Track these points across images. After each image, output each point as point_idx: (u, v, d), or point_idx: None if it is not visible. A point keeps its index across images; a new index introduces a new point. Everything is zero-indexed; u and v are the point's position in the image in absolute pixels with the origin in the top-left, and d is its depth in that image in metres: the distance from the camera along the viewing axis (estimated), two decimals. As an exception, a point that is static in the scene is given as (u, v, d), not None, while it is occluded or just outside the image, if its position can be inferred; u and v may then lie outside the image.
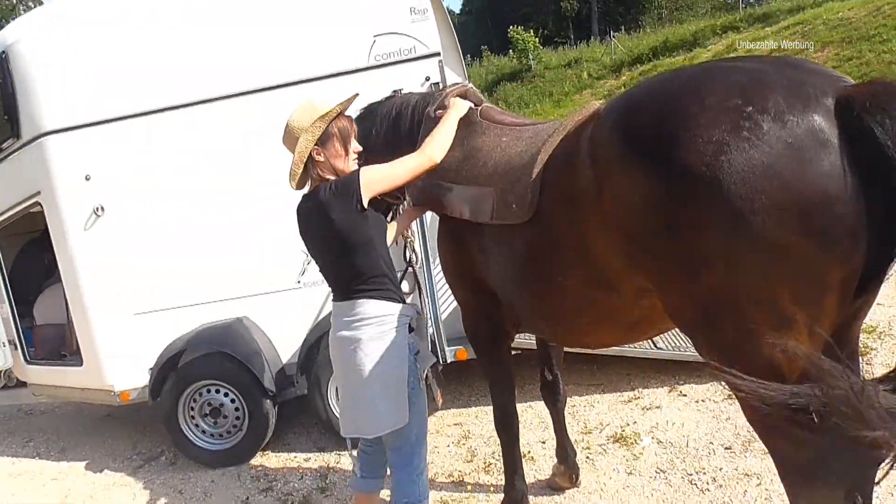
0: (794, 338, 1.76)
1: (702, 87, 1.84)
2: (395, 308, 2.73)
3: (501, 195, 2.52)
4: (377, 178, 2.67)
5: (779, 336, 1.76)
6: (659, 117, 1.87)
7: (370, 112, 3.38)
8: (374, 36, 4.39)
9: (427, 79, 4.30)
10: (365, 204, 2.62)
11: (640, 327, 2.42)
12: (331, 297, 2.89)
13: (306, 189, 2.86)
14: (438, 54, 4.39)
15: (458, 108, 2.95)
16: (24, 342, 5.58)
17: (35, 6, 54.62)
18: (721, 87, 1.80)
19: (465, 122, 2.93)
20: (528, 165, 2.41)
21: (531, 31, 31.93)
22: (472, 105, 3.03)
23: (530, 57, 29.94)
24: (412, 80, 4.26)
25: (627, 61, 25.22)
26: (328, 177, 2.73)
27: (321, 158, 2.71)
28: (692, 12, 40.99)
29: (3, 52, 4.74)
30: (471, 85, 3.20)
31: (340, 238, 2.64)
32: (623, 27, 35.77)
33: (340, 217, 2.61)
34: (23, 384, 5.85)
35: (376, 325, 2.68)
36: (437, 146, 2.82)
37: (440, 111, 3.01)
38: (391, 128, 3.24)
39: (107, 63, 4.66)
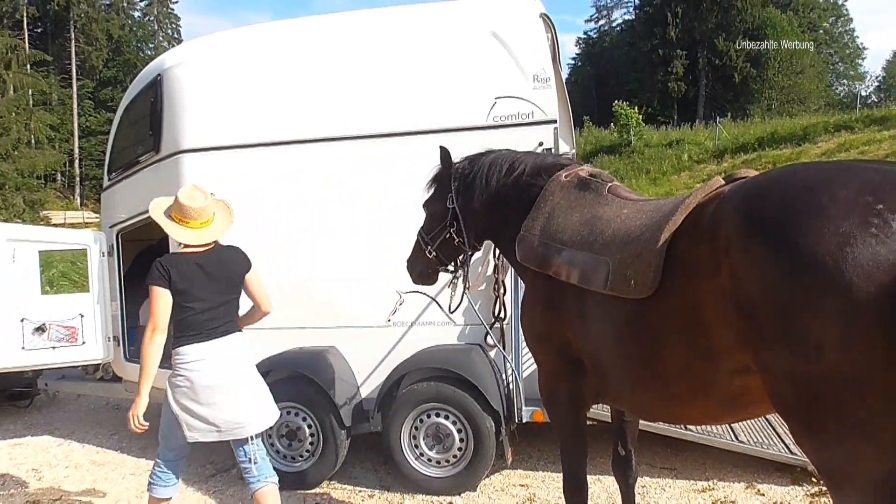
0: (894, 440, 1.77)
1: (834, 180, 1.91)
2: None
3: (619, 267, 2.55)
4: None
5: (884, 435, 1.76)
6: (787, 203, 1.94)
7: (478, 157, 3.50)
8: (496, 98, 4.61)
9: (540, 144, 4.45)
10: None
11: (730, 407, 2.42)
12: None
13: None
14: (555, 122, 4.56)
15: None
16: (126, 340, 5.97)
17: (173, 33, 58.97)
18: (853, 183, 1.86)
19: (593, 193, 3.00)
20: (651, 241, 2.43)
21: (635, 107, 32.06)
22: (602, 180, 3.09)
23: (631, 132, 29.96)
24: (526, 144, 4.43)
25: (731, 148, 24.88)
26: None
27: None
28: (804, 106, 40.28)
29: (159, 74, 5.26)
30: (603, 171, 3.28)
31: (240, 286, 3.74)
32: (730, 113, 35.43)
33: (246, 271, 3.77)
34: (117, 379, 6.21)
35: (247, 350, 3.76)
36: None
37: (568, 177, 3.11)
38: (501, 177, 3.34)
39: (245, 96, 5.09)
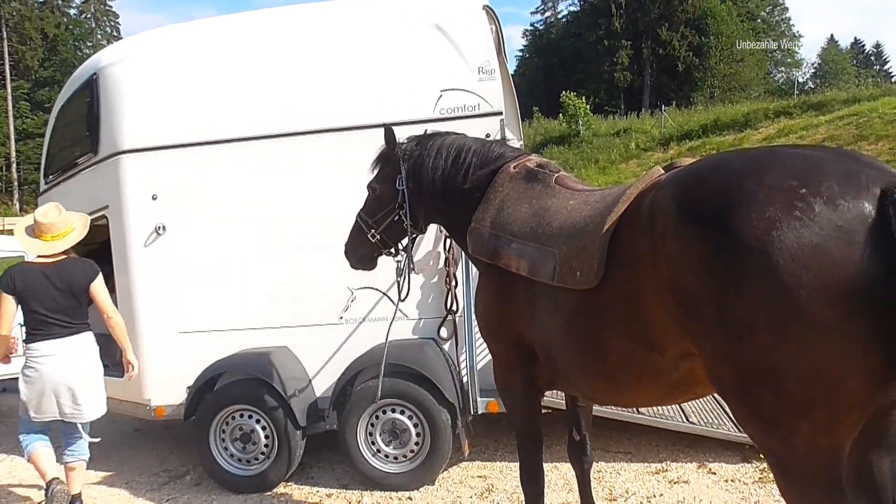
0: (832, 417, 1.82)
1: (761, 167, 1.96)
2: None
3: (565, 258, 2.58)
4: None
5: (816, 413, 1.82)
6: (717, 190, 1.99)
7: (427, 140, 3.46)
8: (441, 91, 4.59)
9: (487, 135, 4.43)
10: None
11: (677, 390, 2.47)
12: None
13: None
14: (501, 114, 4.57)
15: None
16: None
17: (112, 31, 57.23)
18: (780, 168, 1.91)
19: (541, 184, 3.01)
20: (595, 232, 2.46)
21: (583, 97, 32.43)
22: (549, 170, 3.11)
23: (580, 122, 30.33)
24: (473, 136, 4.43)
25: (676, 136, 25.41)
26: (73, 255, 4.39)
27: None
28: (745, 94, 41.34)
29: (95, 73, 5.10)
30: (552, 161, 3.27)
31: (84, 294, 4.23)
32: (674, 102, 36.13)
33: (87, 281, 4.24)
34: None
35: (92, 348, 4.34)
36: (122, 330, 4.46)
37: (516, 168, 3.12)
38: (450, 164, 3.30)
39: (186, 94, 4.96)
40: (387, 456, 4.65)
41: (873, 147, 16.48)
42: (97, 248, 6.16)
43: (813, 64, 53.86)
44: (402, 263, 3.67)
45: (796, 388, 1.82)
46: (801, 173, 1.86)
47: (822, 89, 32.70)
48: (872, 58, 58.98)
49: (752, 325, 1.85)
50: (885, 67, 56.47)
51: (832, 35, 63.42)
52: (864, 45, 60.19)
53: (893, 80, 41.46)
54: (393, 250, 3.65)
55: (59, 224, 4.25)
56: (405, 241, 3.60)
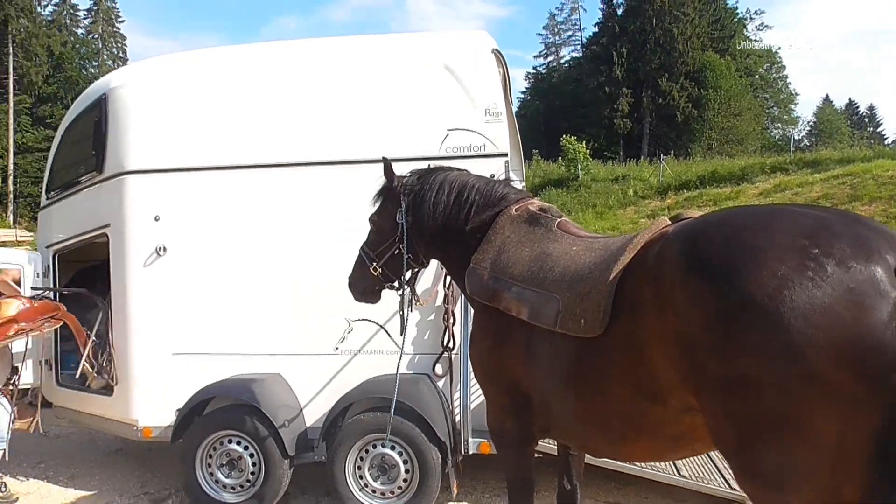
0: (836, 480, 1.82)
1: (771, 225, 1.98)
2: None
3: (568, 305, 2.55)
4: None
5: (819, 476, 1.82)
6: (726, 246, 2.00)
7: (429, 174, 3.44)
8: (448, 130, 4.65)
9: (492, 176, 4.49)
10: None
11: (677, 445, 2.44)
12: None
13: None
14: (506, 155, 4.63)
15: None
16: (59, 364, 5.74)
17: (118, 52, 57.52)
18: (790, 227, 1.93)
19: (543, 228, 3.01)
20: (600, 280, 2.44)
21: (582, 142, 32.77)
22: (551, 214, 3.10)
23: (579, 167, 30.60)
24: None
25: (674, 185, 25.62)
26: None
27: None
28: (742, 147, 41.80)
29: (105, 94, 5.15)
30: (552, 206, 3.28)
31: None
32: (673, 152, 36.48)
33: None
34: (48, 405, 5.93)
35: None
36: None
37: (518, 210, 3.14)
38: (451, 201, 3.28)
39: (194, 120, 5.03)
40: (374, 491, 4.60)
41: (867, 208, 16.64)
42: (98, 265, 6.16)
43: (808, 122, 54.76)
44: (404, 297, 3.66)
45: (801, 450, 1.82)
46: (811, 233, 1.88)
47: (818, 147, 33.17)
48: (866, 119, 59.99)
49: (759, 382, 1.85)
50: (879, 129, 57.42)
51: (827, 95, 64.35)
52: (858, 107, 61.27)
53: (886, 142, 42.10)
54: (396, 284, 3.64)
55: None
56: (407, 275, 3.59)
